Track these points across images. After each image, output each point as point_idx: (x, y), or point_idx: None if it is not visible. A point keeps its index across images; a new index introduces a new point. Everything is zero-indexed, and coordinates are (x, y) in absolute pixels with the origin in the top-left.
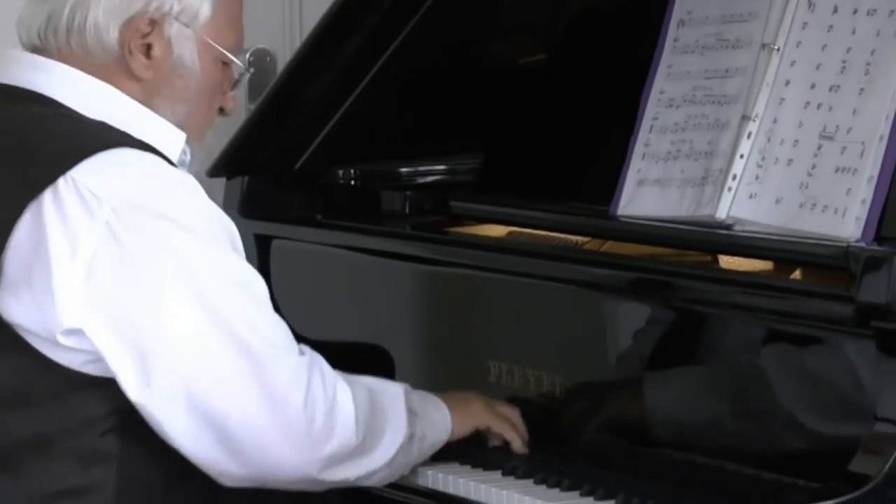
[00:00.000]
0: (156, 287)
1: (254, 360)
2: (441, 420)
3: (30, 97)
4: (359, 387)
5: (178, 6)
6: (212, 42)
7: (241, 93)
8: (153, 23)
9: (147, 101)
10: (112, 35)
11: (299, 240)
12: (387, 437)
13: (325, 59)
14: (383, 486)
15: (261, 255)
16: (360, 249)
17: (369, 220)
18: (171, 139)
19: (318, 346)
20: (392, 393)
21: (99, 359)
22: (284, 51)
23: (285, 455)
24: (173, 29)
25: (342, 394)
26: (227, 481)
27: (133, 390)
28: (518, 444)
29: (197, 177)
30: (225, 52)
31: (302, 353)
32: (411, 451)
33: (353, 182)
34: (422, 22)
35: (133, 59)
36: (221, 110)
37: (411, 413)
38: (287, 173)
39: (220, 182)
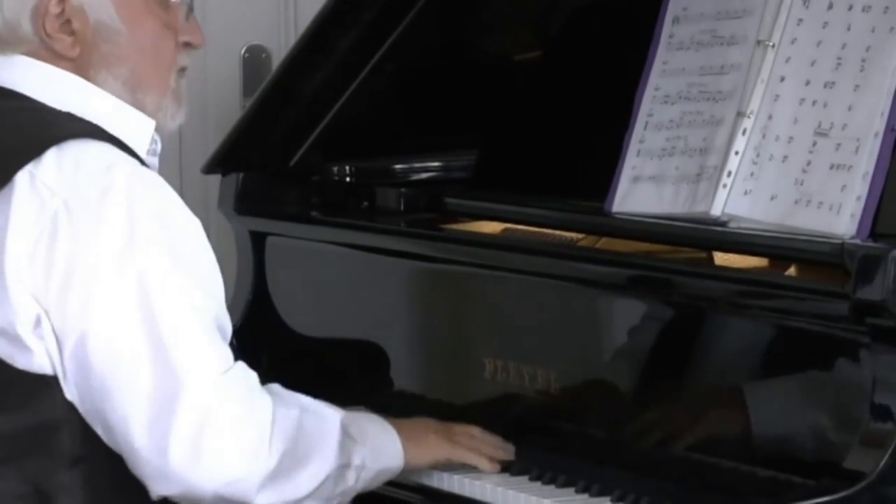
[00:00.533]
0: (88, 283)
1: (161, 370)
2: (390, 449)
3: None
4: (290, 407)
5: None
6: None
7: (236, 86)
8: (60, 0)
9: (84, 76)
10: (25, 27)
11: (294, 236)
12: (312, 466)
13: (320, 55)
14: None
15: (256, 251)
16: (355, 246)
17: (364, 216)
18: (140, 128)
19: (312, 342)
20: (326, 420)
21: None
22: (279, 47)
23: (176, 473)
24: None
25: (262, 413)
26: (153, 491)
27: (65, 389)
28: (485, 466)
29: (192, 173)
30: None
31: (227, 370)
32: (346, 480)
33: (348, 179)
34: (417, 18)
35: (56, 42)
36: (188, 45)
37: (349, 442)
38: (282, 170)
39: (215, 179)
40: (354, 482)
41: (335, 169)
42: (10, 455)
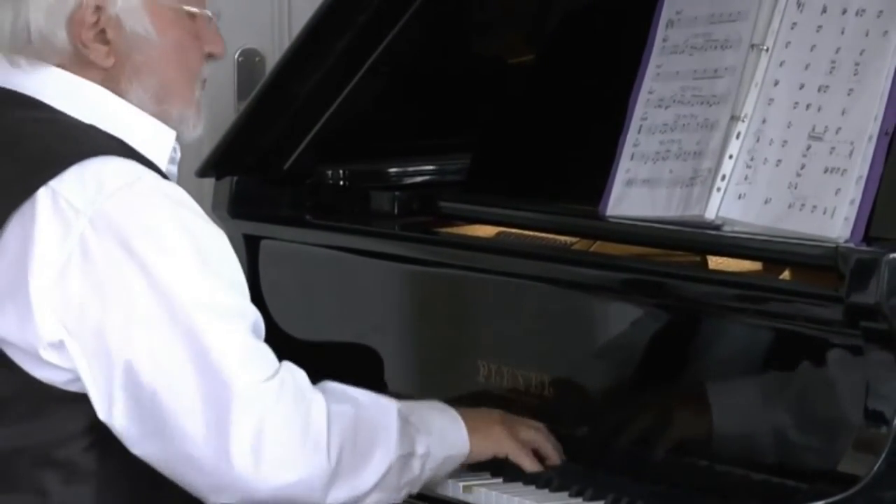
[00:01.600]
0: (124, 306)
1: (211, 384)
2: (454, 437)
3: (18, 100)
4: (343, 404)
5: None
6: (161, 1)
7: (230, 90)
8: (98, 9)
9: (114, 87)
10: (60, 37)
11: (288, 240)
12: (374, 459)
13: (313, 59)
14: None
15: (249, 255)
16: (348, 250)
17: (358, 220)
18: (162, 138)
19: (306, 346)
20: (384, 410)
21: (79, 377)
22: (273, 51)
23: (239, 480)
24: (118, 6)
25: (317, 413)
26: (210, 501)
27: (100, 409)
28: (533, 468)
29: (186, 176)
30: (174, 6)
31: (272, 376)
32: (411, 470)
33: (341, 182)
34: (410, 22)
35: (91, 51)
36: (211, 56)
37: (412, 430)
38: (276, 173)
39: (209, 182)
40: (420, 471)
41: (329, 172)
42: (20, 468)
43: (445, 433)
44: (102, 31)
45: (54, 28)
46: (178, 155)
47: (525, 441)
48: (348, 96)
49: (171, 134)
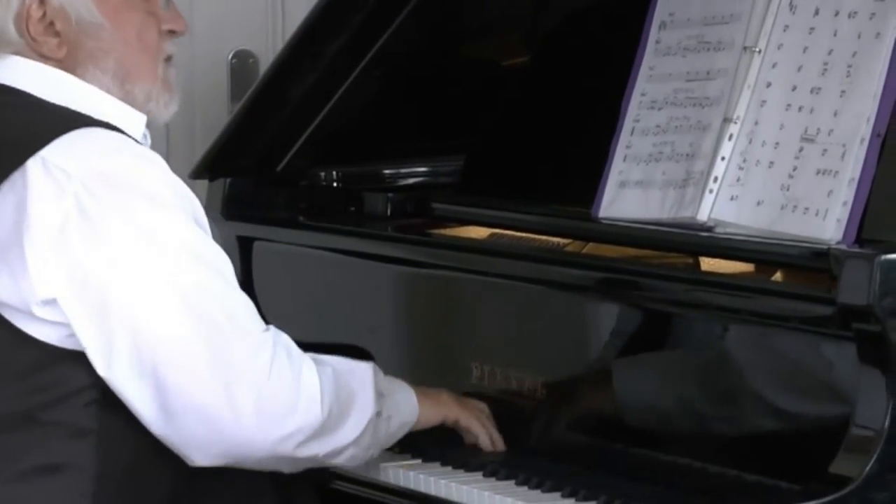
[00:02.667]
0: (119, 258)
1: (211, 335)
2: (408, 403)
3: None
4: (325, 365)
5: None
6: None
7: (223, 92)
8: (42, 3)
9: (73, 73)
10: (11, 33)
11: (282, 241)
12: (353, 415)
13: (307, 60)
14: (365, 485)
15: (243, 256)
16: (342, 251)
17: (352, 221)
18: (132, 123)
19: (300, 347)
20: (359, 372)
21: (73, 333)
22: (267, 52)
23: (241, 432)
24: None
25: (307, 371)
26: (197, 459)
27: (98, 365)
28: (485, 441)
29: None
30: None
31: (266, 329)
32: (378, 430)
33: (335, 184)
34: (404, 24)
35: (43, 45)
36: (172, 32)
37: (378, 394)
38: (269, 175)
39: (203, 184)
40: (385, 432)
41: (323, 174)
42: (21, 426)
43: (399, 399)
44: (51, 24)
45: (4, 24)
46: (148, 141)
47: (472, 410)
48: (342, 98)
49: (142, 118)
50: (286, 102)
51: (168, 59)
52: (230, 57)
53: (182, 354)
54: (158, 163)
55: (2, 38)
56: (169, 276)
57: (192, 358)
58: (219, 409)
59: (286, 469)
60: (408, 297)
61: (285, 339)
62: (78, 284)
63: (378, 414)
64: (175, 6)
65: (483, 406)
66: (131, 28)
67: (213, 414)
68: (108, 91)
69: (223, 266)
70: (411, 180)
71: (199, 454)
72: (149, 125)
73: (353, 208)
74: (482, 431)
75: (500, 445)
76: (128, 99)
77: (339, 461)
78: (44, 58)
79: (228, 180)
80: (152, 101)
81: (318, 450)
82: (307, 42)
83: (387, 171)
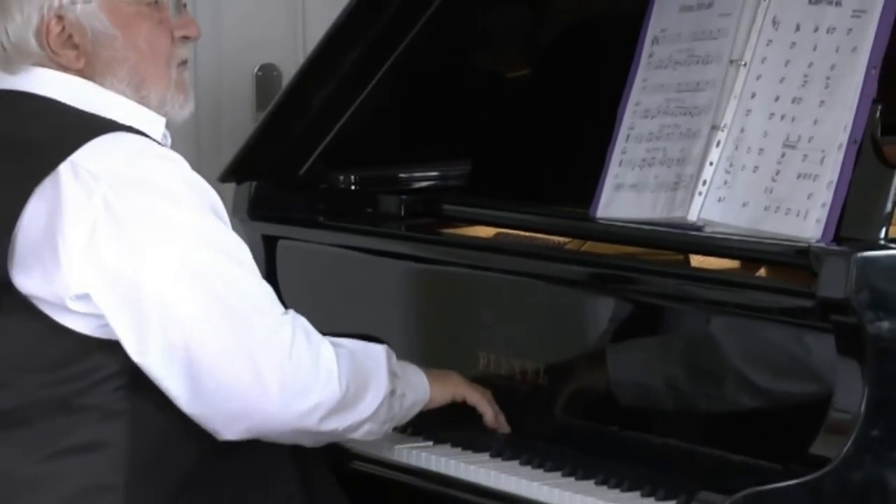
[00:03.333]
0: (147, 253)
1: (236, 318)
2: (420, 383)
3: (19, 97)
4: (342, 347)
5: None
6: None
7: (249, 102)
8: (59, 18)
9: (91, 80)
10: (33, 46)
11: (303, 240)
12: (370, 391)
13: (326, 73)
14: (380, 464)
15: (267, 254)
16: (359, 249)
17: (368, 221)
18: (153, 124)
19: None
20: (374, 353)
21: (107, 323)
22: (289, 66)
23: (267, 407)
24: (77, 11)
25: (325, 350)
26: (225, 434)
27: (132, 351)
28: (490, 417)
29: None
30: (131, 0)
31: (286, 313)
32: (393, 407)
33: (352, 186)
34: (416, 39)
35: (63, 57)
36: (186, 38)
37: (392, 373)
38: (292, 178)
39: (230, 187)
40: (399, 409)
41: (341, 177)
42: (58, 410)
43: (412, 379)
44: (70, 37)
45: (26, 38)
46: (168, 141)
47: (478, 390)
48: (358, 107)
49: (161, 121)
50: (307, 111)
51: (182, 63)
52: (255, 70)
53: (209, 337)
54: (179, 162)
55: (24, 51)
56: (191, 266)
57: (219, 340)
58: (246, 386)
59: (308, 442)
60: (419, 291)
61: (303, 322)
62: (109, 279)
63: (392, 392)
64: (188, 13)
65: (488, 392)
66: (143, 38)
67: (241, 391)
68: (126, 97)
69: (242, 254)
70: (423, 183)
71: (227, 429)
72: (169, 126)
73: (368, 209)
74: (488, 409)
75: (505, 426)
76: (144, 103)
77: (358, 435)
78: (63, 68)
79: (254, 183)
80: (167, 104)
81: (338, 424)
82: (326, 56)
83: (400, 175)
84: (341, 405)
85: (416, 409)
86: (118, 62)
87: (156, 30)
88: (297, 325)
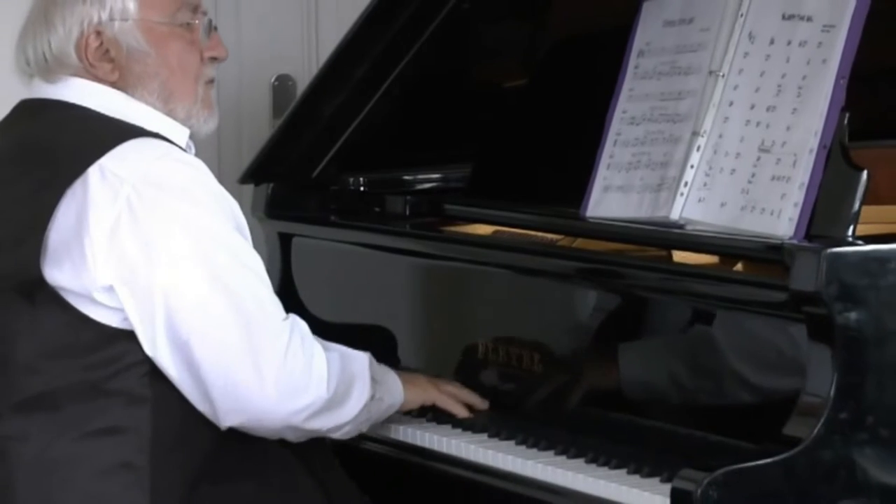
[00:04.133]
0: (161, 250)
1: (242, 320)
2: (395, 389)
3: (56, 105)
4: (332, 351)
5: (105, 13)
6: (152, 19)
7: (266, 110)
8: (98, 34)
9: (123, 92)
10: (72, 58)
11: (316, 237)
12: (353, 396)
13: (338, 83)
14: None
15: (283, 250)
16: (367, 245)
17: (375, 220)
18: (178, 133)
19: (331, 327)
20: (359, 359)
21: (128, 317)
22: (303, 76)
23: (263, 404)
24: (115, 28)
25: (318, 355)
26: (224, 424)
27: (145, 344)
28: (461, 412)
29: (229, 183)
30: (166, 21)
31: (286, 318)
32: (371, 410)
33: (361, 188)
34: (420, 52)
35: (99, 69)
36: (214, 59)
37: (373, 379)
38: (305, 180)
39: (249, 188)
40: (376, 412)
41: (350, 179)
42: (86, 395)
43: (390, 385)
44: (107, 51)
45: (66, 51)
46: (192, 151)
47: (449, 392)
48: (367, 115)
49: (185, 131)
50: (319, 119)
51: (209, 81)
52: (272, 80)
53: (216, 337)
54: (201, 168)
55: (63, 63)
56: (204, 267)
57: (225, 340)
58: (246, 384)
59: (291, 438)
60: (423, 284)
61: (301, 327)
62: (126, 273)
63: (372, 397)
64: (217, 35)
65: (455, 385)
66: (174, 56)
67: (241, 388)
68: (154, 108)
69: (252, 262)
70: (426, 185)
71: (225, 420)
72: (193, 138)
73: (376, 209)
74: (455, 407)
75: (480, 405)
76: (171, 116)
77: (338, 435)
78: (98, 80)
79: (271, 185)
80: (192, 118)
81: (322, 424)
82: (337, 68)
83: (405, 177)
84: (328, 406)
85: (391, 413)
86: (149, 77)
87: (187, 49)
88: (294, 331)
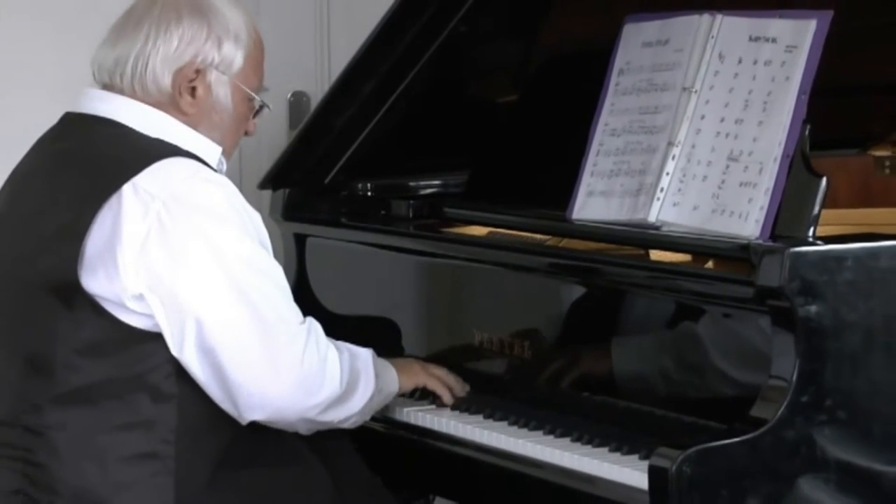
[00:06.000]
0: (190, 263)
1: (263, 326)
2: (392, 379)
3: (102, 121)
4: (342, 351)
5: (218, 58)
6: (241, 85)
7: (283, 122)
8: (198, 71)
9: (192, 128)
10: (166, 80)
11: (328, 238)
12: (360, 390)
13: (348, 98)
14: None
15: (298, 249)
16: (374, 245)
17: (382, 222)
18: (211, 152)
19: (341, 318)
20: (363, 356)
21: (157, 323)
22: (317, 92)
23: (281, 401)
24: (213, 76)
25: (331, 355)
26: (245, 419)
27: (173, 348)
28: (446, 397)
29: (250, 188)
30: (251, 93)
31: (303, 322)
32: (373, 401)
33: (369, 193)
34: (422, 70)
35: (182, 99)
36: (246, 133)
37: (376, 374)
38: (318, 186)
39: (268, 193)
40: (377, 402)
41: (359, 185)
42: (117, 391)
43: (387, 376)
44: (194, 88)
45: (164, 72)
46: (224, 166)
47: (437, 376)
48: (374, 127)
49: (218, 149)
50: (331, 130)
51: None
52: (289, 96)
53: (238, 341)
54: (227, 186)
55: (157, 84)
56: (226, 278)
57: (246, 346)
58: (267, 384)
59: (303, 430)
60: (425, 280)
61: (317, 329)
62: (154, 283)
63: (374, 389)
64: (261, 115)
65: (444, 370)
66: (237, 119)
67: (262, 387)
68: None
69: (272, 271)
70: (428, 190)
71: (247, 416)
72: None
73: (382, 212)
74: (443, 391)
75: (462, 391)
76: None
77: (346, 425)
78: (175, 108)
79: (287, 190)
80: (222, 164)
81: (334, 416)
82: (348, 84)
83: (409, 183)
84: (339, 401)
85: (388, 401)
86: (216, 127)
87: (243, 117)
88: (310, 334)
